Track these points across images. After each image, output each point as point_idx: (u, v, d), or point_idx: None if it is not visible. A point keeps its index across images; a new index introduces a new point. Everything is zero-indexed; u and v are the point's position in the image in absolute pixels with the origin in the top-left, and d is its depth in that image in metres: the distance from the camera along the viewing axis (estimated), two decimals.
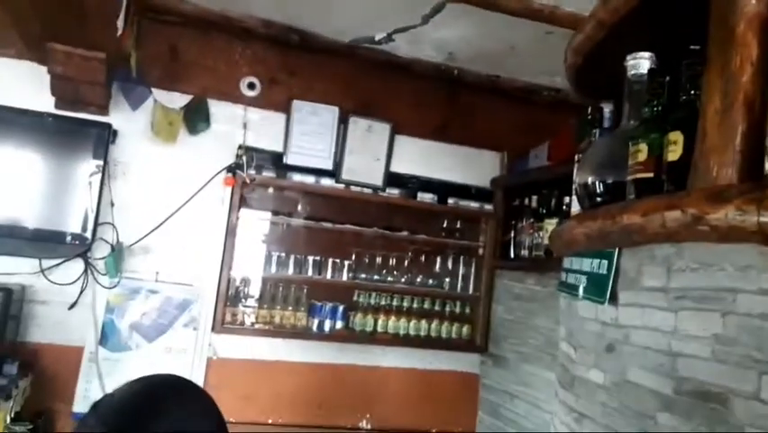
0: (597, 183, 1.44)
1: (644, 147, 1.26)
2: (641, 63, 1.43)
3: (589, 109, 1.75)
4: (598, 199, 1.44)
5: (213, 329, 3.20)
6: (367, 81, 3.57)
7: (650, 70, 1.40)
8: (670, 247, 1.09)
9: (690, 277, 1.05)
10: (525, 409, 3.15)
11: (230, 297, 3.26)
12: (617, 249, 1.25)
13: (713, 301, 1.00)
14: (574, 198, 1.66)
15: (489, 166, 3.85)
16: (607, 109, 1.77)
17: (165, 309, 3.13)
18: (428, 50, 3.41)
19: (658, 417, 1.07)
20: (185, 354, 3.13)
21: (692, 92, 1.20)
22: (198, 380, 3.08)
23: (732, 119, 1.04)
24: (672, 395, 1.05)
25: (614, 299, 1.23)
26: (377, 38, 3.29)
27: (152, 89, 3.13)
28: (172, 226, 3.19)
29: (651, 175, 1.25)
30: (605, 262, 1.26)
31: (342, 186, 3.48)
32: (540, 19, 2.72)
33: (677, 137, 1.17)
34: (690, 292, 1.04)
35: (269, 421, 3.30)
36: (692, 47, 1.23)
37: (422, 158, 3.71)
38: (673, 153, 1.17)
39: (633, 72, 1.45)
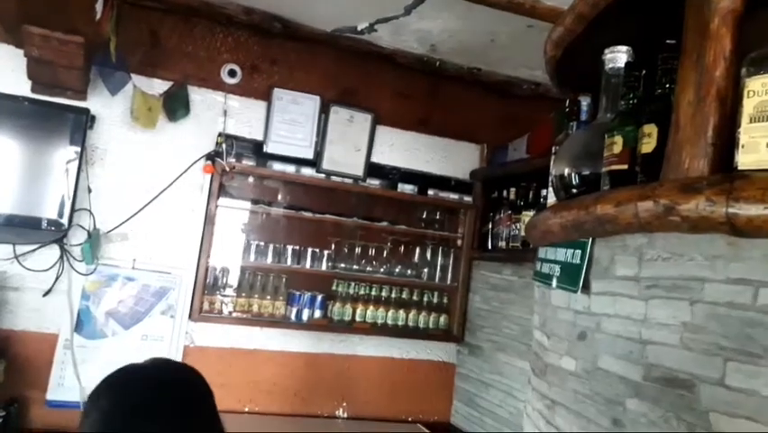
0: (572, 175, 1.46)
1: (619, 139, 1.28)
2: (618, 57, 1.45)
3: (567, 102, 1.77)
4: (574, 191, 1.46)
5: (190, 317, 3.19)
6: (349, 71, 3.56)
7: (627, 64, 1.42)
8: (642, 237, 1.11)
9: (661, 266, 1.07)
10: (499, 398, 3.19)
11: (208, 285, 3.24)
12: (590, 239, 1.27)
13: (682, 290, 1.02)
14: (551, 189, 1.68)
15: (468, 158, 3.87)
16: (584, 102, 1.79)
17: (142, 297, 3.11)
18: (411, 42, 3.41)
19: (627, 403, 1.09)
20: (161, 342, 3.11)
21: (667, 85, 1.22)
22: None
23: (704, 112, 1.06)
24: (642, 382, 1.07)
25: (587, 288, 1.25)
26: (359, 28, 3.28)
27: (132, 75, 3.09)
28: (150, 213, 3.17)
29: (625, 167, 1.27)
30: (578, 251, 1.28)
31: (322, 176, 3.48)
32: (521, 12, 2.74)
33: (651, 129, 1.19)
34: (661, 281, 1.07)
35: (246, 409, 3.31)
36: (668, 41, 1.25)
37: (403, 149, 3.72)
38: (647, 145, 1.19)
39: (610, 66, 1.47)
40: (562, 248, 1.38)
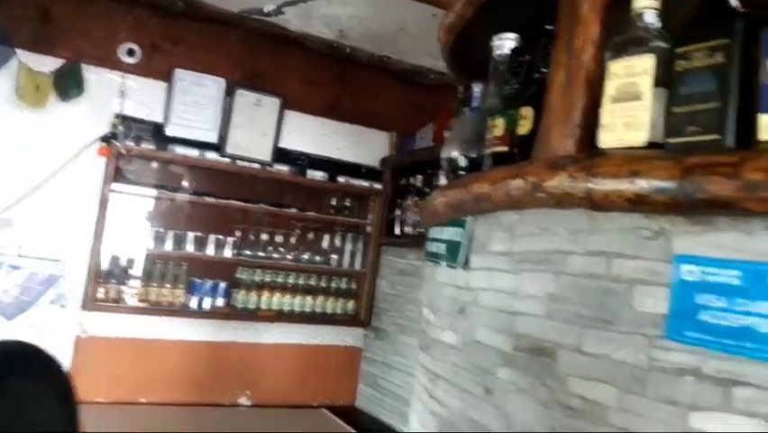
0: (460, 157, 1.50)
1: (500, 122, 1.33)
2: (505, 44, 1.50)
3: (460, 89, 1.81)
4: (462, 173, 1.50)
5: (83, 306, 3.04)
6: (256, 54, 3.50)
7: (512, 50, 1.46)
8: (514, 214, 1.16)
9: (530, 241, 1.12)
10: (401, 379, 3.25)
11: (102, 273, 3.11)
12: (470, 217, 1.31)
13: (548, 263, 1.07)
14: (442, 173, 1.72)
15: (378, 146, 3.90)
16: (476, 89, 1.83)
17: (28, 286, 2.93)
18: (319, 26, 3.39)
19: (498, 372, 1.13)
20: (50, 333, 2.94)
21: (544, 70, 1.27)
22: (65, 359, 2.91)
23: (573, 95, 1.11)
24: (511, 352, 1.12)
25: (467, 265, 1.29)
26: (266, 9, 3.22)
27: (18, 51, 2.90)
28: (40, 198, 2.99)
29: (506, 149, 1.31)
30: (460, 229, 1.32)
31: (227, 160, 3.40)
32: (426, 1, 2.78)
33: (528, 112, 1.24)
34: (530, 255, 1.11)
35: (142, 400, 3.19)
36: (548, 27, 1.30)
37: (312, 135, 3.70)
38: (523, 127, 1.24)
39: (497, 52, 1.51)
40: (449, 227, 1.42)
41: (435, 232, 1.50)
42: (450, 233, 1.39)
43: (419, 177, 3.48)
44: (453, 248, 1.32)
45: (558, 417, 0.98)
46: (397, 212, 3.66)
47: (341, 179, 3.75)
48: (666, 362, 0.85)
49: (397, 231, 3.63)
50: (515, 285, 1.14)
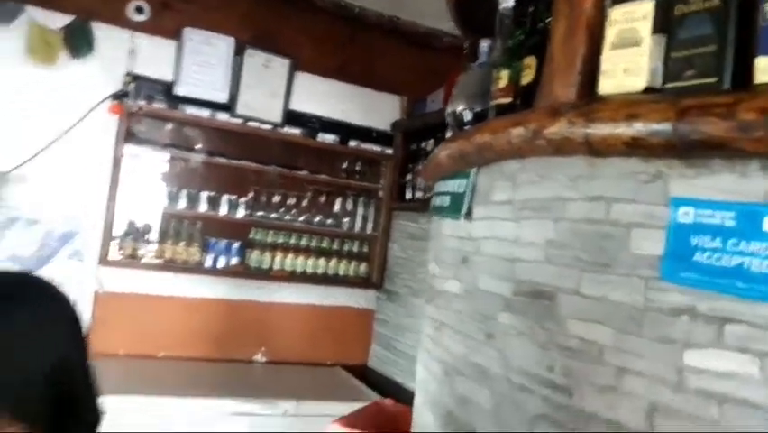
0: (465, 111, 1.51)
1: (504, 74, 1.33)
2: None
3: (466, 44, 1.81)
4: (466, 127, 1.51)
5: (99, 262, 3.11)
6: (266, 13, 3.47)
7: (517, 1, 1.46)
8: (515, 163, 1.17)
9: (531, 189, 1.14)
10: (414, 340, 3.29)
11: (119, 230, 3.16)
12: (474, 169, 1.33)
13: (548, 210, 1.09)
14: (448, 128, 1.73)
15: (389, 109, 3.89)
16: (484, 44, 1.83)
17: (46, 242, 3.00)
18: None
19: (499, 317, 1.16)
20: (68, 288, 3.01)
21: (547, 19, 1.27)
22: (84, 313, 2.99)
23: (575, 43, 1.12)
24: (512, 297, 1.14)
25: (470, 215, 1.31)
26: None
27: (27, 6, 2.91)
28: (53, 155, 3.03)
29: (510, 100, 1.32)
30: (464, 181, 1.33)
31: (238, 120, 3.41)
32: None
33: (531, 62, 1.24)
34: (530, 203, 1.13)
35: (161, 355, 3.28)
36: None
37: (323, 97, 3.69)
38: (527, 77, 1.24)
39: (503, 5, 1.51)
40: (453, 180, 1.44)
41: (440, 186, 1.52)
42: (453, 185, 1.41)
43: (430, 141, 3.48)
44: (457, 199, 1.34)
45: (556, 357, 1.02)
46: (409, 176, 3.67)
47: (352, 143, 3.76)
48: (662, 302, 0.87)
49: (408, 195, 3.65)
50: (516, 233, 1.16)
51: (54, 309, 0.93)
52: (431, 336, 1.48)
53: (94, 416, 0.92)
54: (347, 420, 2.11)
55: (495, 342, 1.17)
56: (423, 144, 3.55)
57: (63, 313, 0.93)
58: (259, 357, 3.52)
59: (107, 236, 3.10)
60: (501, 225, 1.20)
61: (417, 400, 1.53)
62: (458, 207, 1.32)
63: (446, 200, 1.45)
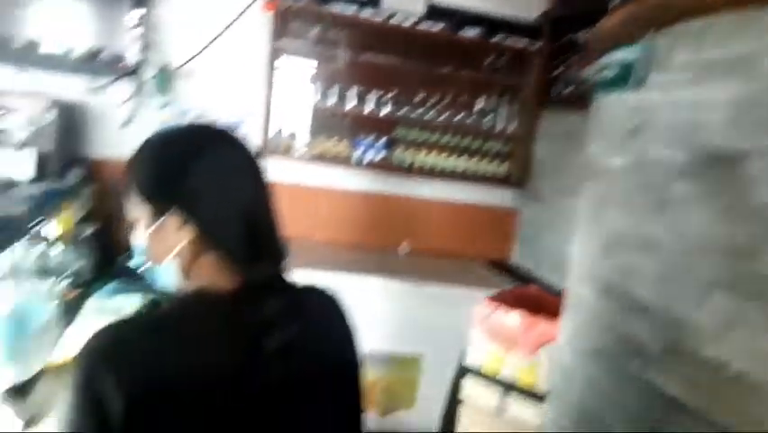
0: None
1: None
2: None
3: None
4: None
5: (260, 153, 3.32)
6: None
7: None
8: (699, 22, 1.07)
9: (717, 50, 1.04)
10: (560, 239, 3.24)
11: (274, 124, 3.35)
12: (647, 34, 1.23)
13: (736, 70, 1.00)
14: None
15: None
16: None
17: None
18: None
19: (673, 185, 1.11)
20: None
21: None
22: None
23: None
24: (688, 164, 1.08)
25: (642, 83, 1.23)
26: None
27: None
28: (214, 51, 3.23)
29: None
30: (635, 49, 1.25)
31: (382, 16, 3.39)
32: None
33: None
34: (716, 64, 1.04)
35: (317, 237, 3.56)
36: None
37: None
38: None
39: None
40: (620, 50, 1.35)
41: (607, 57, 1.43)
42: (622, 55, 1.32)
43: (582, 32, 3.23)
44: (626, 70, 1.26)
45: (739, 223, 0.96)
46: (560, 70, 3.48)
47: (496, 38, 3.61)
48: None
49: (556, 91, 3.48)
50: (696, 97, 1.08)
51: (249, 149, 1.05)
52: (589, 215, 1.45)
53: (280, 250, 1.03)
54: (496, 298, 2.16)
55: (666, 211, 1.12)
56: (573, 36, 3.32)
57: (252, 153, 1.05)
58: (403, 247, 3.66)
59: (265, 129, 3.30)
60: (680, 90, 1.12)
61: (572, 277, 1.53)
62: (627, 76, 1.24)
63: (613, 73, 1.37)
